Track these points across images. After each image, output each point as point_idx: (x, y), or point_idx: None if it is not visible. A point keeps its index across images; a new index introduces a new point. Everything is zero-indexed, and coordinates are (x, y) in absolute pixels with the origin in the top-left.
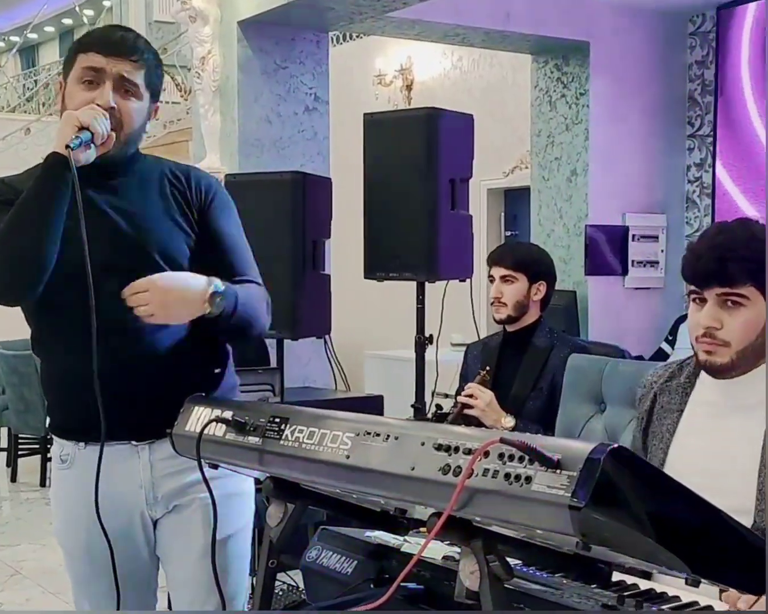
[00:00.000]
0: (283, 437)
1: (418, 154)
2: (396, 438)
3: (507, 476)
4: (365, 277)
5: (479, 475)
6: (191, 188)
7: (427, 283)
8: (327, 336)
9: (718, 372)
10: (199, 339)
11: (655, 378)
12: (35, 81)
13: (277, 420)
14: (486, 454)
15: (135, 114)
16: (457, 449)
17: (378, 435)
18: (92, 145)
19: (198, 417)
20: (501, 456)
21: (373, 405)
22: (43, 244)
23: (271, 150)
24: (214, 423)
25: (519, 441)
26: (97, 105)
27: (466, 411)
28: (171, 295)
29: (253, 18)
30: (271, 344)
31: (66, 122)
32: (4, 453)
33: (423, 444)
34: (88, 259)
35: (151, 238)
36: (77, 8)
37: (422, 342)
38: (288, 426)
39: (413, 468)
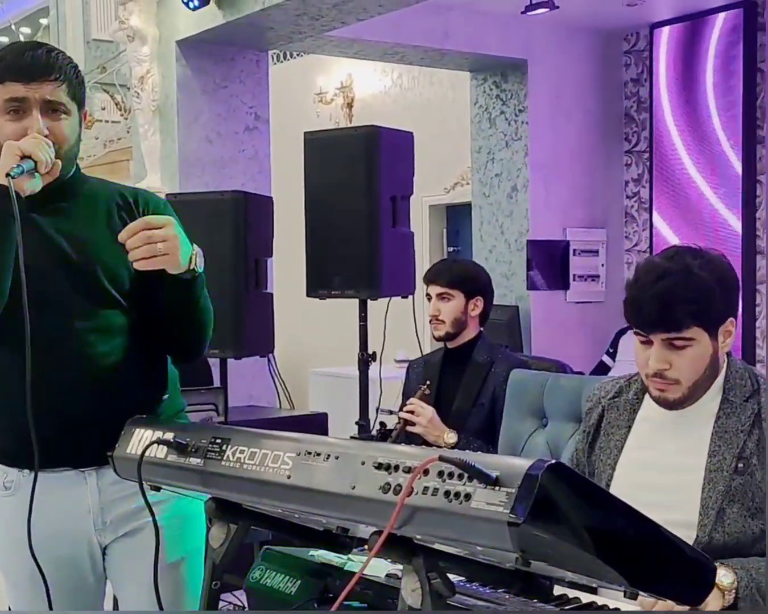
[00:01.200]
0: (225, 458)
1: (359, 171)
2: (337, 458)
3: (447, 493)
4: (307, 295)
5: (419, 493)
6: (139, 210)
7: (369, 300)
8: (271, 355)
9: (672, 406)
10: (142, 362)
11: (603, 393)
12: None
13: (219, 440)
14: (426, 472)
15: (68, 131)
16: (397, 467)
17: (319, 454)
18: (36, 174)
19: (139, 439)
20: (441, 473)
21: (317, 423)
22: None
23: (212, 169)
24: (155, 445)
25: (457, 458)
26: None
27: (409, 428)
28: (179, 239)
29: (192, 37)
30: (214, 363)
31: (7, 151)
32: None
33: (363, 463)
34: (24, 286)
35: (98, 263)
36: (13, 26)
37: (365, 359)
38: (229, 446)
39: (354, 487)
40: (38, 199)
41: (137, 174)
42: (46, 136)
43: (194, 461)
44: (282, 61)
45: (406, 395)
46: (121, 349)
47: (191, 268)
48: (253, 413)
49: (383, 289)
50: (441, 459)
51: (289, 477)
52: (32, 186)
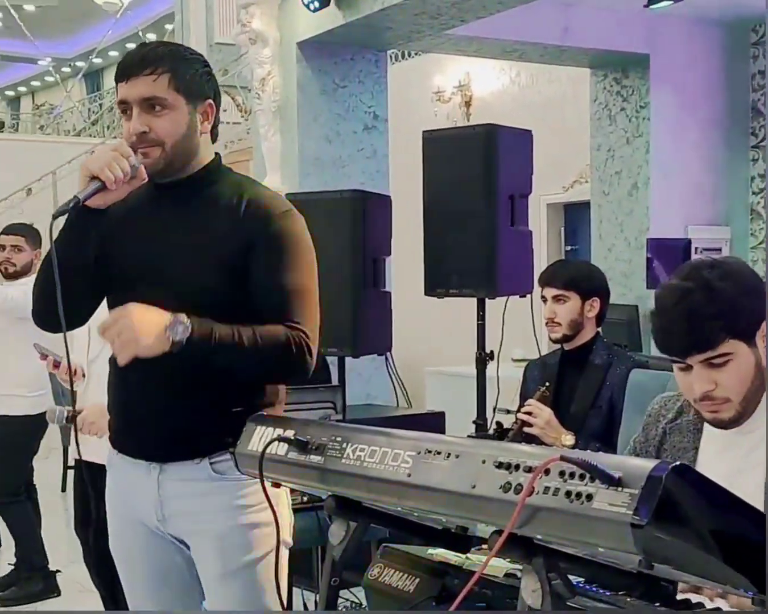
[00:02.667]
0: (345, 455)
1: (478, 170)
2: (457, 457)
3: (568, 494)
4: (426, 294)
5: (540, 493)
6: (240, 216)
7: (487, 299)
8: (388, 353)
9: (728, 425)
10: (221, 379)
11: (664, 412)
12: (100, 105)
13: (339, 438)
14: (546, 472)
15: (171, 126)
16: (517, 467)
17: (439, 453)
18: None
19: (260, 437)
20: (561, 473)
21: (434, 422)
22: (51, 287)
23: (331, 168)
24: (276, 442)
25: (579, 458)
26: (131, 136)
27: (526, 429)
28: (138, 322)
29: (312, 39)
30: (332, 361)
31: (80, 172)
32: (72, 472)
33: (484, 462)
34: (60, 303)
35: (191, 268)
36: (140, 32)
37: (483, 358)
38: (350, 444)
39: (474, 486)
40: (166, 194)
41: (257, 174)
42: (142, 134)
43: (315, 459)
44: (400, 61)
45: (524, 396)
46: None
47: (171, 342)
48: (370, 411)
49: (501, 288)
50: (562, 458)
51: (409, 475)
52: (108, 199)
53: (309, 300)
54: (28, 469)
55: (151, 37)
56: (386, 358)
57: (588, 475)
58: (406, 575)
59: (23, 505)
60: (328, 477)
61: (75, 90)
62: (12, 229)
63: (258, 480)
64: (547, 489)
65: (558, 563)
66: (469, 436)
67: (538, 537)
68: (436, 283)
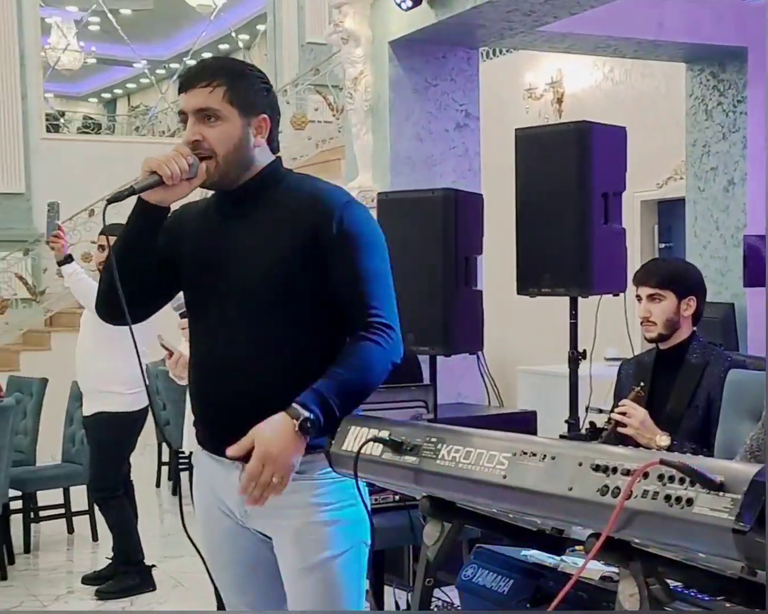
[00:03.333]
0: (440, 456)
1: (570, 168)
2: (553, 458)
3: (667, 498)
4: (518, 293)
5: (638, 496)
6: (332, 230)
7: (580, 298)
8: (480, 352)
9: None
10: (300, 377)
11: None
12: None
13: (434, 439)
14: (645, 475)
15: (223, 136)
16: (615, 470)
17: (534, 454)
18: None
19: (355, 437)
20: (660, 477)
21: (526, 421)
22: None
23: (423, 167)
24: (371, 443)
25: (680, 462)
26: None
27: (620, 429)
28: (281, 456)
29: (404, 37)
30: (423, 360)
31: (141, 167)
32: (167, 467)
33: (580, 464)
34: (123, 298)
35: (269, 274)
36: (233, 34)
37: (575, 357)
38: (444, 445)
39: (571, 489)
40: (227, 202)
41: (349, 173)
42: (195, 141)
43: (409, 459)
44: (491, 58)
45: (618, 396)
46: (279, 359)
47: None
48: (461, 410)
49: (594, 287)
50: (662, 462)
51: (504, 477)
52: (163, 198)
53: (384, 283)
54: (125, 465)
55: (244, 37)
56: (477, 357)
57: (688, 479)
58: (500, 576)
59: (121, 501)
60: (423, 478)
61: (169, 92)
62: (111, 229)
63: (335, 479)
64: (645, 492)
65: (656, 567)
66: (561, 436)
67: (636, 541)
68: (529, 282)
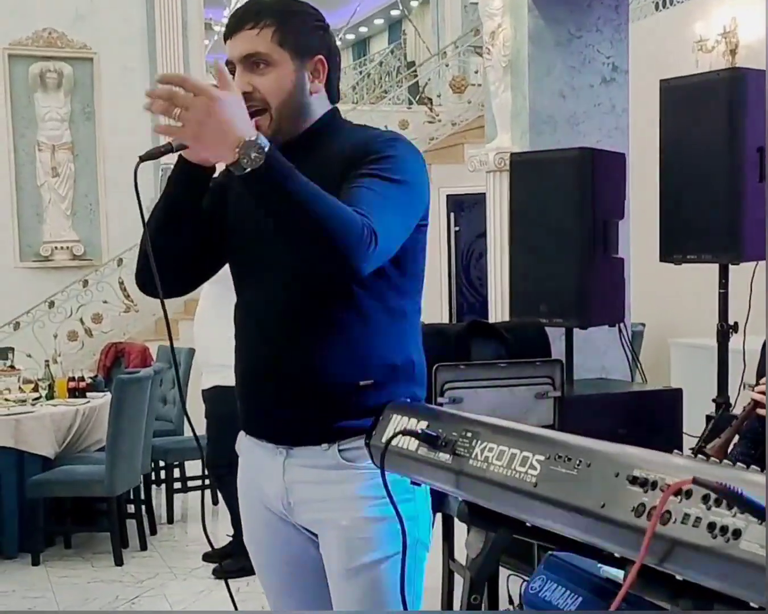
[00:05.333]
0: (473, 455)
1: (721, 121)
2: (589, 465)
3: (711, 526)
4: (661, 260)
5: (678, 522)
6: (357, 155)
7: (732, 265)
8: (622, 325)
9: None
10: (345, 345)
11: None
12: (360, 72)
13: (469, 434)
14: (687, 495)
15: (275, 84)
16: (654, 484)
17: (569, 459)
18: None
19: (395, 427)
20: (705, 498)
21: (670, 399)
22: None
23: (565, 126)
24: (401, 435)
25: (717, 482)
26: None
27: (759, 410)
28: (212, 119)
29: None
30: (559, 333)
31: None
32: None
33: (617, 474)
34: (154, 265)
35: None
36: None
37: (725, 330)
38: (479, 442)
39: (603, 506)
40: None
41: (489, 133)
42: (245, 93)
43: (443, 456)
44: (660, 10)
45: (760, 373)
46: (325, 333)
47: (236, 158)
48: (601, 387)
49: (747, 253)
50: (695, 481)
51: (535, 485)
52: (202, 157)
53: (392, 214)
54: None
55: (413, 4)
56: (619, 329)
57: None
58: (568, 592)
59: (236, 477)
60: (457, 479)
61: (343, 59)
62: None
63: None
64: (686, 517)
65: (712, 604)
66: (707, 416)
67: (679, 577)
68: (673, 248)
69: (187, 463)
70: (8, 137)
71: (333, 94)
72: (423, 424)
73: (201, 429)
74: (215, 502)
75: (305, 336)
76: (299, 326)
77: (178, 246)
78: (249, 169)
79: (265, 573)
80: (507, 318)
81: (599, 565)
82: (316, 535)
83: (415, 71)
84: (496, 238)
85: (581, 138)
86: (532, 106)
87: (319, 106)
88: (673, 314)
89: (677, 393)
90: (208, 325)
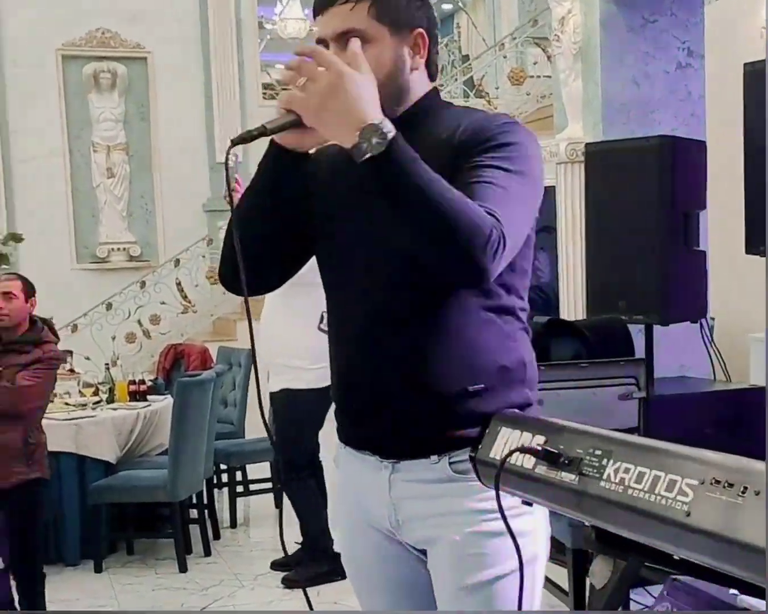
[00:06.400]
0: (605, 476)
1: None
2: (756, 494)
3: None
4: (746, 252)
5: None
6: (470, 142)
7: None
8: (703, 320)
9: None
10: (458, 352)
11: None
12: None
13: (598, 452)
14: None
15: (373, 62)
16: None
17: (731, 485)
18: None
19: (505, 442)
20: None
21: (754, 399)
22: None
23: (639, 114)
24: (519, 453)
25: None
26: None
27: None
28: (337, 94)
29: None
30: (639, 330)
31: (276, 107)
32: None
33: None
34: (242, 262)
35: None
36: None
37: None
38: (611, 462)
39: None
40: None
41: (558, 123)
42: None
43: (567, 477)
44: None
45: None
46: (430, 333)
47: (356, 141)
48: (682, 386)
49: None
50: None
51: (688, 514)
52: (302, 142)
53: (517, 209)
54: (311, 447)
55: None
56: (701, 325)
57: None
58: None
59: (305, 483)
60: (584, 502)
61: None
62: None
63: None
64: None
65: None
66: None
67: None
68: (759, 239)
69: (248, 466)
70: (63, 139)
71: (432, 71)
72: (539, 439)
73: (261, 432)
74: (278, 506)
75: (410, 340)
76: (404, 329)
77: (266, 240)
78: (369, 155)
79: (368, 594)
80: (580, 315)
81: (732, 591)
82: (424, 553)
83: (470, 65)
84: (567, 232)
85: (656, 126)
86: (605, 95)
87: (419, 84)
88: (748, 307)
89: (762, 393)
90: (277, 327)
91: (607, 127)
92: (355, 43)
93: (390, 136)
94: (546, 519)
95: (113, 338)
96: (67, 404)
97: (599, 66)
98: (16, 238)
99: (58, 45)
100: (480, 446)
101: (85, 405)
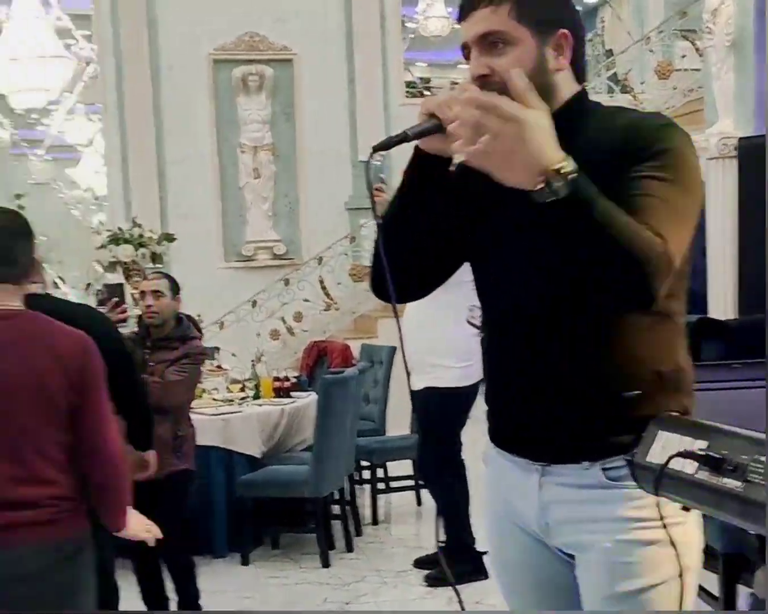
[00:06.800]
0: None
1: None
2: None
3: None
4: None
5: None
6: (632, 150)
7: None
8: None
9: None
10: (613, 357)
11: None
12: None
13: (763, 459)
14: None
15: (515, 64)
16: None
17: None
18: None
19: (662, 445)
20: None
21: None
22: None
23: None
24: (681, 458)
25: None
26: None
27: None
28: (522, 147)
29: None
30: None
31: (419, 112)
32: None
33: None
34: (387, 266)
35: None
36: None
37: None
38: None
39: None
40: None
41: (709, 118)
42: (483, 77)
43: (731, 483)
44: None
45: None
46: (586, 338)
47: (538, 188)
48: None
49: None
50: None
51: None
52: (439, 147)
53: (682, 223)
54: (454, 445)
55: None
56: None
57: None
58: None
59: (447, 481)
60: (749, 510)
61: None
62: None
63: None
64: None
65: None
66: None
67: None
68: None
69: (389, 463)
70: (213, 141)
71: (580, 72)
72: (700, 444)
73: (402, 429)
74: (419, 503)
75: (566, 346)
76: (560, 334)
77: (415, 246)
78: (550, 199)
79: (514, 596)
80: (730, 314)
81: None
82: (572, 556)
83: (614, 59)
84: (717, 229)
85: None
86: (759, 88)
87: (565, 86)
88: None
89: None
90: (419, 322)
91: (761, 122)
92: (517, 75)
93: (572, 177)
94: (700, 529)
95: (258, 335)
96: (214, 400)
97: (753, 58)
98: (170, 238)
99: (210, 50)
100: (636, 450)
101: (231, 400)
